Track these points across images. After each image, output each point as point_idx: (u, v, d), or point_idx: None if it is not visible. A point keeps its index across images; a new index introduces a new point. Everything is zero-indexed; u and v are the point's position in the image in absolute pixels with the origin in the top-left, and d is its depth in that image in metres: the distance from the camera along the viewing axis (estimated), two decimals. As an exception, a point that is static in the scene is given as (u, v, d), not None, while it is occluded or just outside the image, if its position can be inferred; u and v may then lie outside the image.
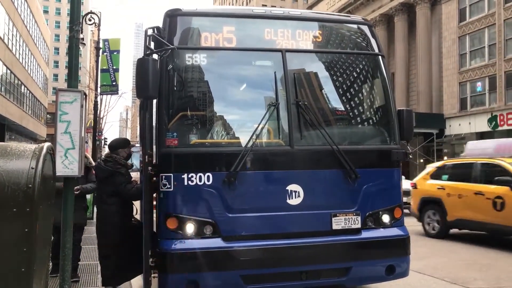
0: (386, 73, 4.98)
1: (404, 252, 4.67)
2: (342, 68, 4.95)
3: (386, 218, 4.61)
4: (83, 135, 3.33)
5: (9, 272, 2.03)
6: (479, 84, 27.74)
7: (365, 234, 4.48)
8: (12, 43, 34.45)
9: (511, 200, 8.14)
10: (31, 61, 43.33)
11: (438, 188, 9.89)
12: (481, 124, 26.83)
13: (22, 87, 39.98)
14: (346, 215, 4.43)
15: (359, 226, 4.46)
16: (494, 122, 25.70)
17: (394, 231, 4.63)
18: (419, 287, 5.66)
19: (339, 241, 4.38)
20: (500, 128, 25.55)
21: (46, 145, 2.28)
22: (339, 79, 4.95)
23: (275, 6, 54.27)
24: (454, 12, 29.37)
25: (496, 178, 8.56)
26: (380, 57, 4.99)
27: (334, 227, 4.39)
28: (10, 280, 2.03)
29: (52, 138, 3.29)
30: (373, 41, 5.00)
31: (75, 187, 5.48)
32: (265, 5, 56.41)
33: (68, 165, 3.29)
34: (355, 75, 5.00)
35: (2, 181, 2.01)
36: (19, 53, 37.54)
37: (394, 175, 4.77)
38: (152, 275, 4.45)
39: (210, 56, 4.52)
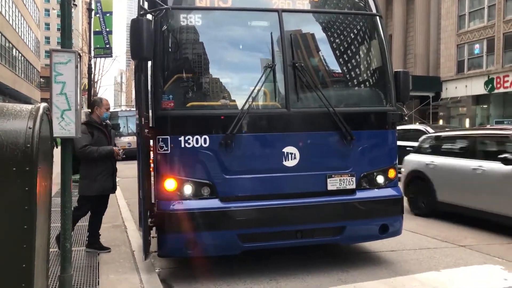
0: (383, 34, 4.92)
1: (398, 211, 4.78)
2: (339, 29, 4.89)
3: (380, 179, 4.69)
4: (78, 96, 3.31)
5: (11, 230, 2.08)
6: (477, 46, 27.47)
7: (360, 194, 4.57)
8: (1, 4, 33.51)
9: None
10: (21, 23, 42.31)
11: None
12: (478, 87, 26.78)
13: (14, 50, 39.23)
14: (341, 176, 4.50)
15: (353, 186, 4.54)
16: (490, 85, 25.66)
17: (388, 191, 4.73)
18: (411, 245, 5.83)
19: (334, 201, 4.47)
20: (496, 91, 25.54)
21: (42, 105, 2.28)
22: (336, 40, 4.90)
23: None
24: (455, -28, 28.67)
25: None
26: (378, 17, 4.92)
27: (329, 187, 4.47)
28: (13, 237, 2.08)
29: (46, 102, 3.27)
30: (371, 1, 4.92)
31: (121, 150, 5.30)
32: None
33: (65, 126, 3.29)
34: (353, 36, 4.94)
35: (1, 141, 2.03)
36: (9, 14, 36.59)
37: (389, 137, 4.81)
38: (151, 236, 4.56)
39: (205, 16, 4.44)
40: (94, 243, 5.33)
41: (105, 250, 5.27)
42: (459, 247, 5.79)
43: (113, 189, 5.37)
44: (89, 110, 5.50)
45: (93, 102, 5.48)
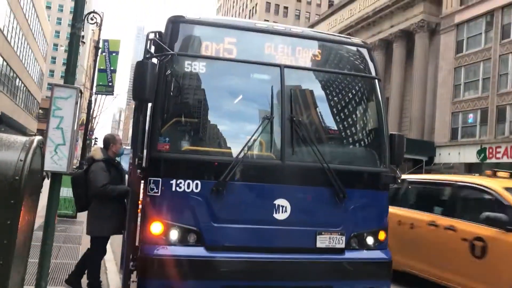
0: (381, 97, 5.03)
1: (386, 275, 4.66)
2: (338, 88, 5.00)
3: (370, 240, 4.61)
4: (74, 132, 3.31)
5: (-14, 264, 1.99)
6: (471, 115, 28.16)
7: (348, 255, 4.48)
8: (11, 35, 34.33)
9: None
10: (28, 54, 43.16)
11: None
12: (470, 155, 27.17)
13: (17, 80, 39.73)
14: (331, 234, 4.43)
15: (343, 246, 4.46)
16: (483, 155, 26.04)
17: (377, 254, 4.64)
18: (398, 312, 5.64)
19: (322, 260, 4.37)
20: (488, 161, 25.88)
21: (37, 138, 2.27)
22: (335, 98, 5.00)
23: (277, 22, 54.82)
24: (452, 44, 29.95)
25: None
26: (376, 80, 5.05)
27: (319, 245, 4.38)
28: (-14, 272, 2.00)
29: (42, 133, 3.27)
30: (371, 64, 5.07)
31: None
32: (267, 20, 57.16)
33: (57, 160, 3.27)
34: (351, 96, 5.05)
35: (-11, 171, 1.99)
36: (17, 46, 37.39)
37: (381, 198, 4.79)
38: (132, 280, 4.40)
39: (209, 65, 4.54)
40: (75, 283, 5.11)
41: None
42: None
43: (123, 230, 5.20)
44: (101, 147, 5.42)
45: (107, 140, 5.37)
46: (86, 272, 5.17)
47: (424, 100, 32.07)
